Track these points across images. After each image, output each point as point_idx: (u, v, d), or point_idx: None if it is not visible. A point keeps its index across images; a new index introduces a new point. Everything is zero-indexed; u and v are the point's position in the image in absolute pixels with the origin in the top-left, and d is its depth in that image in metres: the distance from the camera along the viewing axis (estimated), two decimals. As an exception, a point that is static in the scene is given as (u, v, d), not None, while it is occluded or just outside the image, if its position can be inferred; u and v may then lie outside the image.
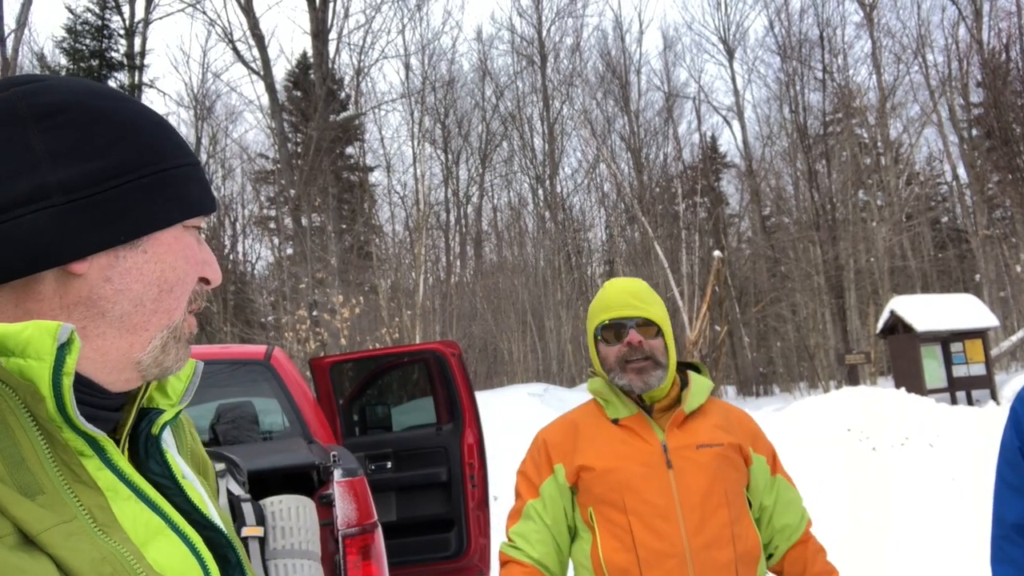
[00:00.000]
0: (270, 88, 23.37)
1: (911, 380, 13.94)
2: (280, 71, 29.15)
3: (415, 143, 25.10)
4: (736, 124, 33.15)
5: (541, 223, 29.66)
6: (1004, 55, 25.94)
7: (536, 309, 27.73)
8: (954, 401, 13.81)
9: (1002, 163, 25.47)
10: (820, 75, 27.50)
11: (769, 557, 1.79)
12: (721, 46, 32.72)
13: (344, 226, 24.99)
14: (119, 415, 0.68)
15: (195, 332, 0.72)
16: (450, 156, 29.18)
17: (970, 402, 14.02)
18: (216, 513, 0.72)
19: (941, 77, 28.23)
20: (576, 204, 32.73)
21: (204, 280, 0.72)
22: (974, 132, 28.69)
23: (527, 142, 30.67)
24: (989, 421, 9.33)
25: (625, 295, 1.74)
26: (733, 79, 32.16)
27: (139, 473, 0.66)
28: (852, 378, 17.20)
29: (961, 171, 29.62)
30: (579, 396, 14.50)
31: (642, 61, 46.98)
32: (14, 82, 0.64)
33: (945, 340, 14.50)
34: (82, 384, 0.62)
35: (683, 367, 1.88)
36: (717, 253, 19.52)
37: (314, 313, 17.67)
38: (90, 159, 0.62)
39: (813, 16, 28.47)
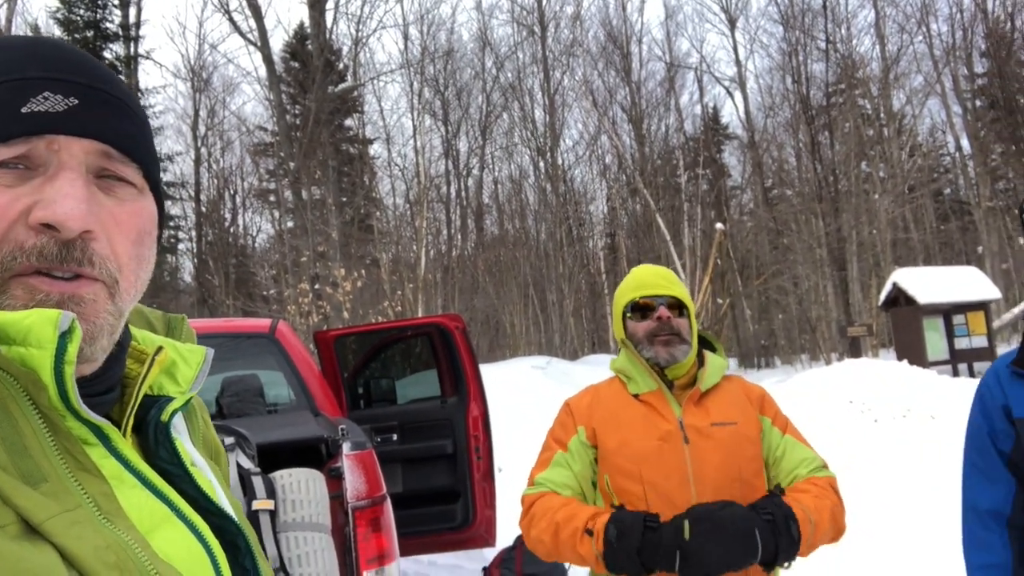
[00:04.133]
0: (267, 59, 23.14)
1: (913, 352, 13.96)
2: (277, 42, 28.79)
3: (415, 115, 24.93)
4: (738, 95, 32.91)
5: (542, 195, 29.51)
6: (1009, 24, 25.65)
7: (538, 282, 27.74)
8: (956, 373, 13.85)
9: (1005, 134, 25.34)
10: (823, 45, 27.18)
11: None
12: (723, 15, 32.35)
13: (344, 199, 24.92)
14: (111, 397, 0.65)
15: (52, 297, 0.58)
16: (450, 128, 28.96)
17: (972, 374, 14.06)
18: (226, 500, 0.70)
19: (945, 47, 27.97)
20: (577, 176, 32.60)
21: (46, 226, 0.57)
22: (978, 103, 28.45)
23: (528, 113, 30.44)
24: (991, 392, 9.32)
25: (655, 276, 1.86)
26: (735, 49, 31.98)
27: (148, 460, 0.64)
28: (854, 350, 17.23)
29: (964, 142, 29.51)
30: (581, 368, 14.54)
31: (643, 31, 46.48)
32: None
33: (947, 312, 14.51)
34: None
35: (700, 344, 1.95)
36: (719, 225, 19.48)
37: (316, 286, 17.67)
38: None
39: (817, -16, 28.02)
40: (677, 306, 1.83)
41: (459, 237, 29.97)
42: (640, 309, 1.83)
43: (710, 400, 1.80)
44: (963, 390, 9.40)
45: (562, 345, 26.21)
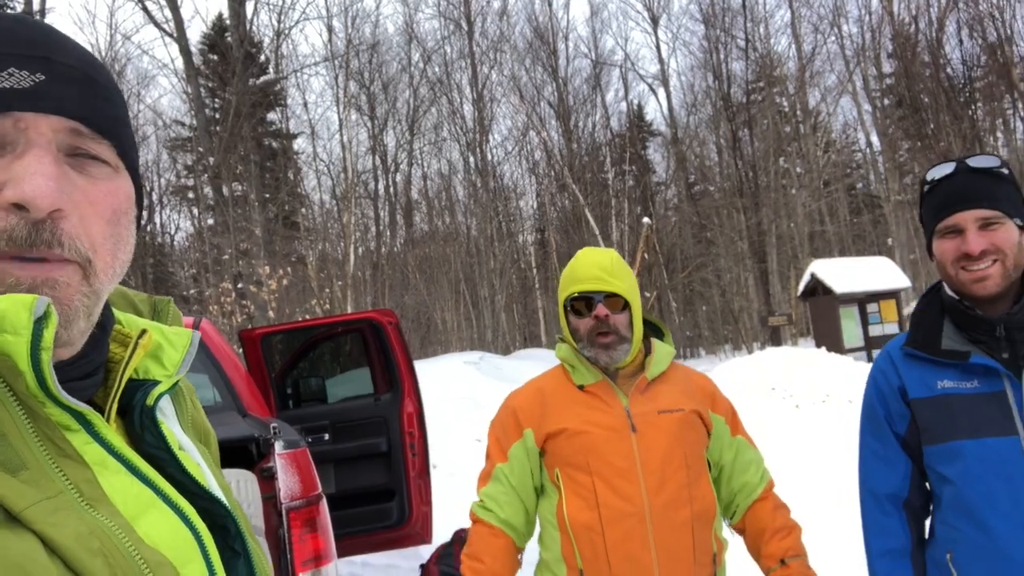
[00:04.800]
0: (184, 51, 22.26)
1: (830, 340, 14.55)
2: (195, 33, 27.85)
3: (340, 109, 24.46)
4: (662, 92, 33.60)
5: (473, 191, 29.43)
6: (913, 26, 27.00)
7: (469, 278, 27.69)
8: (870, 359, 14.49)
9: (912, 131, 26.66)
10: (742, 44, 28.02)
11: (732, 515, 1.88)
12: (646, 14, 32.93)
13: (268, 195, 24.24)
14: (93, 382, 0.64)
15: (28, 281, 0.56)
16: (377, 123, 28.55)
17: (883, 359, 14.75)
18: (215, 483, 0.69)
19: (855, 48, 29.22)
20: (507, 172, 32.67)
21: (15, 206, 0.56)
22: (886, 101, 29.85)
23: (456, 108, 30.29)
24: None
25: (595, 268, 1.77)
26: (658, 47, 32.70)
27: (135, 445, 0.64)
28: (775, 339, 17.88)
29: (874, 139, 30.90)
30: (515, 364, 14.58)
31: (569, 28, 46.85)
32: None
33: (862, 301, 15.17)
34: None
35: (647, 328, 1.93)
36: (646, 220, 19.89)
37: (239, 285, 17.15)
38: None
39: (736, -15, 28.86)
40: (618, 299, 1.77)
41: (388, 233, 29.62)
42: (580, 303, 1.79)
43: (656, 388, 1.80)
44: (877, 375, 9.85)
45: (495, 340, 26.24)
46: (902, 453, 1.64)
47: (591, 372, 1.79)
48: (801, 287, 16.31)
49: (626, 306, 1.77)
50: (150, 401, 0.66)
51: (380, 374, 4.85)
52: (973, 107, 26.46)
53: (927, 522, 1.68)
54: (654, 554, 1.66)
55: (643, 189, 30.07)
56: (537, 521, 1.86)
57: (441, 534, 4.73)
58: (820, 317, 15.42)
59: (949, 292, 1.60)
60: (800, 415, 8.65)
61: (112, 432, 0.61)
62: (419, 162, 31.51)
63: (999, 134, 26.36)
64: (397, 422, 4.60)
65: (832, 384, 9.50)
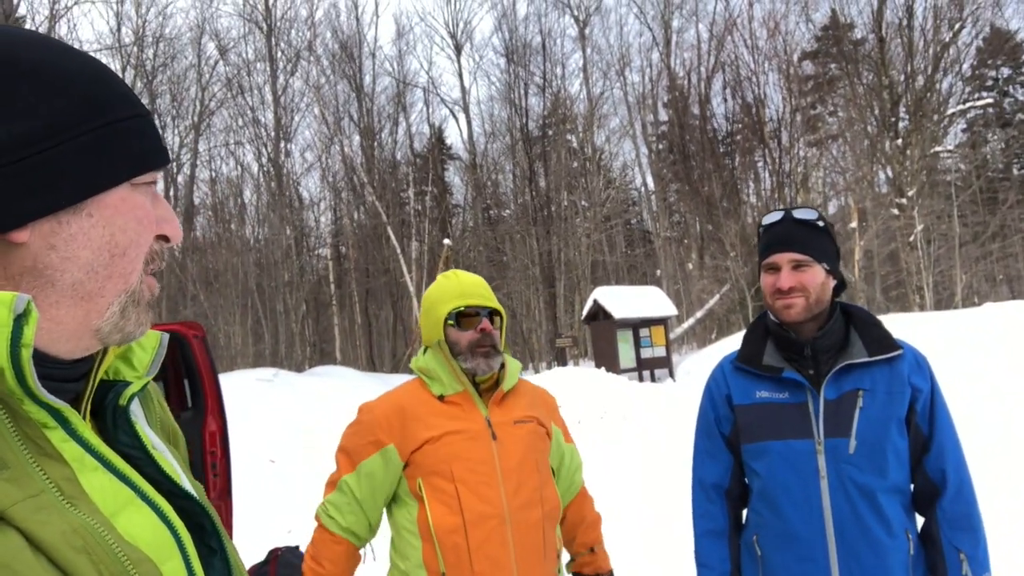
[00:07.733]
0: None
1: (608, 361, 15.85)
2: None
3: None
4: (462, 117, 34.56)
5: (274, 201, 28.15)
6: (686, 81, 30.33)
7: (262, 290, 26.44)
8: (641, 379, 15.98)
9: (681, 175, 29.79)
10: (540, 81, 29.75)
11: None
12: (450, 40, 33.83)
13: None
14: (79, 385, 0.66)
15: (156, 293, 0.70)
16: (160, 119, 26.49)
17: (653, 379, 16.33)
18: (188, 482, 0.72)
19: (637, 95, 32.19)
20: (304, 183, 31.67)
21: (163, 238, 0.69)
22: (660, 146, 33.11)
23: (254, 112, 28.95)
24: (669, 395, 11.05)
25: (478, 287, 1.95)
26: (460, 74, 33.49)
27: (109, 445, 0.65)
28: (561, 359, 19.07)
29: (649, 179, 34.06)
30: (309, 380, 14.26)
31: (376, 45, 46.81)
32: None
33: (635, 326, 16.69)
34: (36, 356, 0.59)
35: None
36: (447, 241, 20.38)
37: None
38: (20, 119, 0.58)
39: (536, 24, 30.71)
40: (497, 316, 1.96)
41: (167, 239, 27.29)
42: (464, 318, 1.92)
43: (511, 399, 1.97)
44: (647, 393, 10.98)
45: (289, 356, 25.22)
46: (726, 450, 1.93)
47: (453, 384, 1.91)
48: (585, 311, 17.59)
49: (497, 323, 1.97)
50: (123, 401, 0.68)
51: (174, 391, 4.66)
52: (732, 158, 30.22)
53: (744, 511, 1.97)
54: (512, 552, 1.80)
55: (442, 211, 30.68)
56: (395, 531, 1.92)
57: (251, 554, 4.64)
58: (600, 340, 16.74)
59: (772, 318, 1.88)
60: (581, 430, 9.42)
61: (88, 430, 0.62)
62: (207, 164, 29.70)
63: (751, 183, 30.29)
64: (199, 441, 4.46)
65: (609, 402, 10.42)
